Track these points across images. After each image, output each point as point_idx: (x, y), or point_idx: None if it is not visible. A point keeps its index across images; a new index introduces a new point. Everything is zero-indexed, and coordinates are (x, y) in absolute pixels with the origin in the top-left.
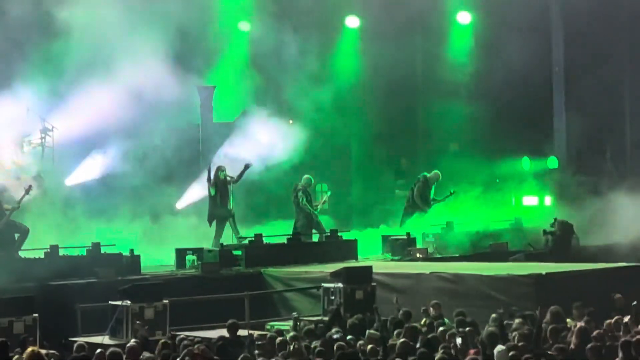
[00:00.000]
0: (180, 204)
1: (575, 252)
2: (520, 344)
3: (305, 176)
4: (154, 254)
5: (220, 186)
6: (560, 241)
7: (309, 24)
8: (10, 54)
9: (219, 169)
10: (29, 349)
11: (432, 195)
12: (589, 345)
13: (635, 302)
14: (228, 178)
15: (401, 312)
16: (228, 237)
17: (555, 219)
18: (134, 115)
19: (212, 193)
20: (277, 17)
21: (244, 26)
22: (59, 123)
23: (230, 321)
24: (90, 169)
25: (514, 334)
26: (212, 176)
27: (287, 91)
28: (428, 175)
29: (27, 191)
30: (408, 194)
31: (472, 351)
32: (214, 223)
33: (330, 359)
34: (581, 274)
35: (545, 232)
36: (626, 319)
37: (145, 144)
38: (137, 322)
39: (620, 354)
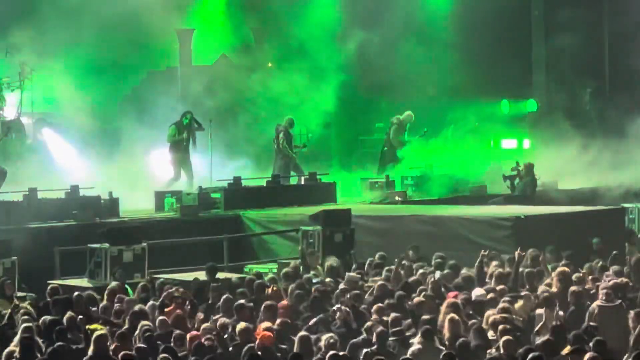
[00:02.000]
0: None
1: (545, 193)
2: (498, 287)
3: (287, 117)
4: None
5: (183, 130)
6: (531, 184)
7: None
8: None
9: (184, 114)
10: None
11: (406, 137)
12: (571, 289)
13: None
14: (195, 125)
15: (378, 255)
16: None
17: (517, 162)
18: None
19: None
20: None
21: None
22: (38, 66)
23: (209, 264)
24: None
25: (491, 275)
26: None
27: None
28: (401, 117)
29: (6, 134)
30: (385, 137)
31: (451, 294)
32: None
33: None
34: (560, 217)
35: (505, 176)
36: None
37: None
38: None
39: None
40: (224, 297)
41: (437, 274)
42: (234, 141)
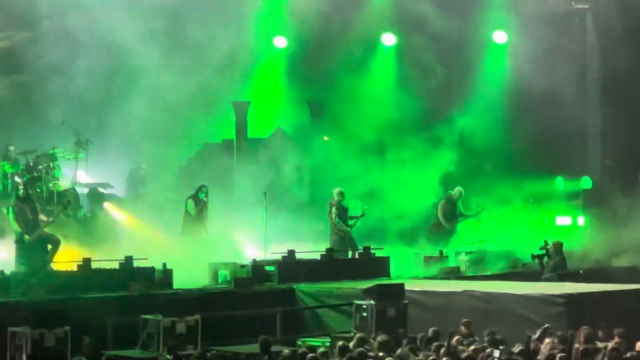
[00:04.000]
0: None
1: (599, 271)
2: None
3: (337, 190)
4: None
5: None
6: (560, 263)
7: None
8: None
9: (200, 188)
10: None
11: (459, 211)
12: None
13: None
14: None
15: (431, 330)
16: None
17: (546, 241)
18: (167, 127)
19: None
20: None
21: (280, 42)
22: (93, 136)
23: (261, 337)
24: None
25: (544, 353)
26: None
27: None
28: (451, 192)
29: (65, 206)
30: (434, 212)
31: None
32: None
33: None
34: (613, 295)
35: (534, 256)
36: None
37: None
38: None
39: None
40: None
41: (496, 353)
42: (289, 214)
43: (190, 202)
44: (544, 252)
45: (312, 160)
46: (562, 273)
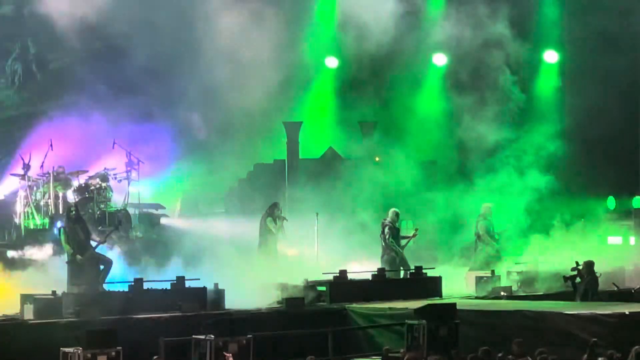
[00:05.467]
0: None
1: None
2: None
3: (392, 210)
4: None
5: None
6: (591, 283)
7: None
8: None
9: (276, 205)
10: None
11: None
12: None
13: None
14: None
15: (481, 350)
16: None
17: (577, 262)
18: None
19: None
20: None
21: (331, 62)
22: (145, 157)
23: (309, 357)
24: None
25: None
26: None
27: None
28: (482, 211)
29: (116, 227)
30: (475, 232)
31: None
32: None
33: None
34: None
35: (565, 277)
36: None
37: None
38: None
39: None
40: None
41: None
42: (342, 234)
43: (270, 221)
44: (575, 272)
45: (364, 180)
46: (611, 292)
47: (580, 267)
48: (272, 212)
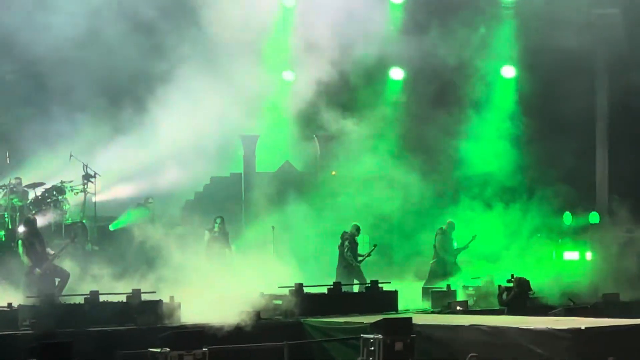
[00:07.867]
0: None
1: (608, 306)
2: None
3: (354, 224)
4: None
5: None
6: (518, 297)
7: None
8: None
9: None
10: None
11: (455, 245)
12: None
13: None
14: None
15: None
16: None
17: (512, 275)
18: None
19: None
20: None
21: (288, 75)
22: (101, 170)
23: None
24: (131, 216)
25: None
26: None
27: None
28: (443, 227)
29: (72, 239)
30: (433, 247)
31: None
32: None
33: None
34: (621, 329)
35: (500, 287)
36: None
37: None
38: None
39: None
40: None
41: None
42: (295, 247)
43: (207, 234)
44: (510, 284)
45: (318, 194)
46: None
47: (513, 281)
48: (212, 227)
